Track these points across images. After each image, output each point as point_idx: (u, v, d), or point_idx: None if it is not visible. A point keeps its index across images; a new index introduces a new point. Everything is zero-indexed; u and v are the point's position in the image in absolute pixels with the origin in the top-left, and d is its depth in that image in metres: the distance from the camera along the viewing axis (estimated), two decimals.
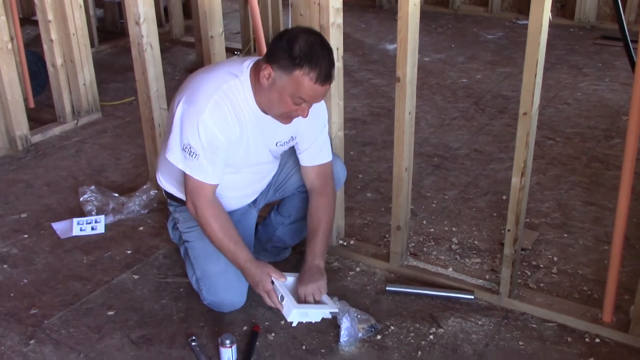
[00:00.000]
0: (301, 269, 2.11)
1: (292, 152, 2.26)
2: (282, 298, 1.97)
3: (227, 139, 1.96)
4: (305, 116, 1.95)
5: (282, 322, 2.17)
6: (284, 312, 1.95)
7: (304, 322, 2.00)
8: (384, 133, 3.63)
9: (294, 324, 1.98)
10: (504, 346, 2.06)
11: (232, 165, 2.07)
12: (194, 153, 1.94)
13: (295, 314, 1.92)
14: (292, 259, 2.50)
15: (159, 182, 2.28)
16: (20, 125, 3.45)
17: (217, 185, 2.02)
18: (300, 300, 2.03)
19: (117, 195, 2.93)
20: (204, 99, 1.93)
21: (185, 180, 2.03)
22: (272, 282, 1.99)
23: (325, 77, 1.88)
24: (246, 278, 2.05)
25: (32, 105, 3.91)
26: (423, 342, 2.08)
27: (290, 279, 2.05)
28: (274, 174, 2.30)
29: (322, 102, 2.13)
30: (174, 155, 1.99)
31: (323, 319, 2.04)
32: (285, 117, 1.99)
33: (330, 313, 2.02)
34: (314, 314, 1.99)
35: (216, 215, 2.02)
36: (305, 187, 2.25)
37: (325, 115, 2.19)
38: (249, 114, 1.99)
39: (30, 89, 3.90)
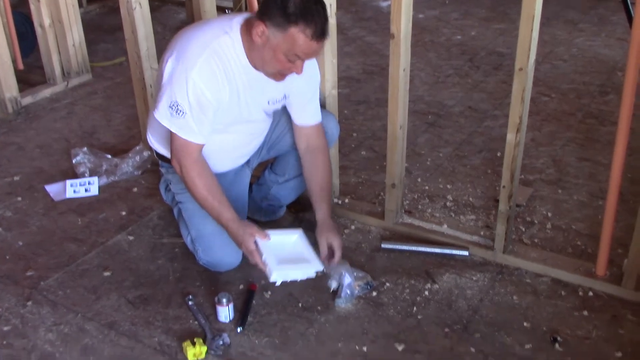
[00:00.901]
0: (317, 226, 2.12)
1: (284, 111, 2.24)
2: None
3: (215, 98, 1.94)
4: (299, 72, 1.94)
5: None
6: (267, 272, 1.94)
7: (288, 280, 1.99)
8: (378, 91, 3.61)
9: (277, 284, 1.98)
10: (498, 301, 2.08)
11: (224, 124, 2.05)
12: (180, 111, 1.92)
13: (277, 275, 1.91)
14: (288, 217, 2.51)
15: (149, 143, 2.26)
16: (10, 87, 3.41)
17: (203, 145, 2.01)
18: (322, 249, 2.06)
19: (109, 156, 2.91)
20: (193, 56, 1.90)
21: (171, 138, 2.01)
22: (256, 242, 1.98)
23: (321, 34, 1.85)
24: (231, 237, 2.05)
25: (20, 67, 3.86)
26: (418, 298, 2.10)
27: (276, 237, 2.03)
28: (267, 133, 2.29)
29: (314, 61, 2.11)
30: (160, 113, 1.97)
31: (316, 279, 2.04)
32: (279, 75, 1.97)
33: (315, 272, 2.00)
34: (296, 274, 1.97)
35: (200, 173, 2.01)
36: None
37: (318, 74, 2.17)
38: (239, 71, 1.97)
39: (19, 51, 3.84)
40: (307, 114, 2.18)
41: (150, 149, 2.84)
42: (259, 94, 2.05)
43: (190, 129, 1.96)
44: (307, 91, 2.14)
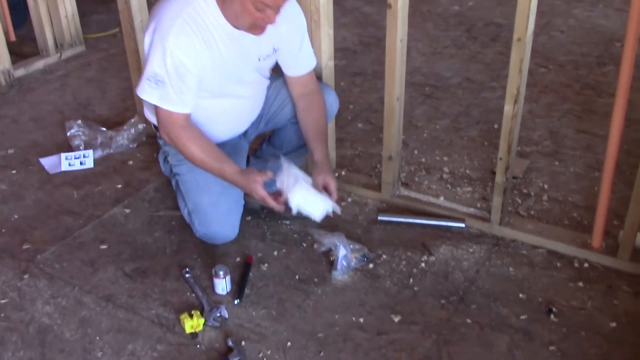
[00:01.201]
0: (314, 167, 2.09)
1: (283, 83, 2.23)
2: (279, 192, 1.94)
3: (195, 65, 1.92)
4: (272, 23, 1.91)
5: (275, 253, 2.19)
6: (289, 196, 1.91)
7: (304, 213, 1.96)
8: (375, 63, 3.58)
9: (294, 211, 1.95)
10: (494, 272, 2.09)
11: (216, 88, 2.03)
12: (159, 81, 1.92)
13: (298, 195, 1.90)
14: None
15: (146, 115, 2.26)
16: (2, 59, 3.37)
17: (187, 114, 2.00)
18: (318, 188, 2.01)
19: (104, 129, 2.90)
20: (167, 25, 1.89)
21: (156, 110, 2.01)
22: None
23: None
24: (241, 189, 2.04)
25: (13, 38, 3.82)
26: (415, 270, 2.11)
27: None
28: (266, 104, 2.28)
29: (299, 9, 2.10)
30: (140, 87, 1.97)
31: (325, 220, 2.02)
32: (255, 28, 1.94)
33: (333, 209, 1.98)
34: (315, 204, 1.95)
35: (191, 137, 2.00)
36: (296, 118, 2.23)
37: (304, 22, 2.14)
38: (219, 33, 1.94)
39: (11, 22, 3.80)
40: (300, 63, 2.17)
41: (146, 121, 2.83)
42: (246, 52, 2.03)
43: (171, 99, 1.95)
44: (296, 39, 2.12)
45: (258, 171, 1.98)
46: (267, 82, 2.22)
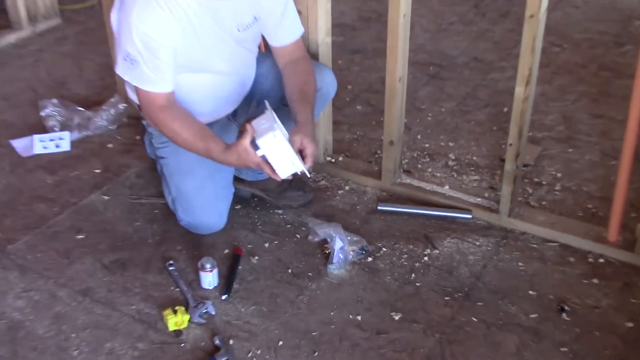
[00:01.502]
0: (296, 125, 2.03)
1: (274, 63, 2.21)
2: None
3: (165, 38, 1.91)
4: None
5: (266, 245, 2.19)
6: (258, 141, 1.87)
7: (279, 153, 1.90)
8: (375, 40, 3.56)
9: (267, 149, 1.88)
10: (502, 267, 2.09)
11: (192, 63, 2.01)
12: (133, 61, 1.92)
13: (268, 141, 1.85)
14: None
15: (128, 95, 2.24)
16: None
17: (169, 94, 1.99)
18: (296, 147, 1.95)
19: (82, 109, 2.87)
20: (130, 1, 1.90)
21: (136, 92, 2.02)
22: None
23: None
24: (234, 165, 2.02)
25: None
26: (417, 264, 2.11)
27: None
28: (257, 84, 2.26)
29: None
30: (119, 67, 1.98)
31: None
32: None
33: (301, 171, 1.94)
34: (285, 154, 1.89)
35: (174, 116, 1.99)
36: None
37: None
38: (189, 4, 1.93)
39: None
40: (284, 31, 2.15)
41: (127, 100, 2.81)
42: (222, 23, 2.01)
43: (147, 78, 1.94)
44: (277, 6, 2.10)
45: (242, 138, 1.92)
46: (253, 56, 2.20)
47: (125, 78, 1.99)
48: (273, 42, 2.17)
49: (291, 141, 1.94)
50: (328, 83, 2.27)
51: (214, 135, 2.00)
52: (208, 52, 2.04)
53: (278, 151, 1.88)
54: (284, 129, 1.94)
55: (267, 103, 1.99)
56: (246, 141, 1.89)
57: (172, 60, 1.95)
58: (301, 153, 1.95)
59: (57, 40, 3.65)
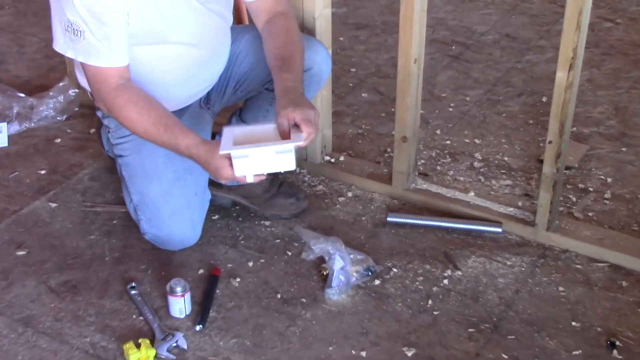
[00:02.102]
0: (277, 100, 2.01)
1: (256, 36, 2.23)
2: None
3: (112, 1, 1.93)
4: None
5: (250, 264, 2.21)
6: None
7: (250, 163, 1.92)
8: (385, 11, 3.59)
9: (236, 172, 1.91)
10: (539, 292, 2.12)
11: (147, 32, 2.03)
12: (77, 31, 1.94)
13: (240, 164, 1.88)
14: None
15: (79, 82, 2.27)
16: None
17: (122, 68, 2.01)
18: (284, 131, 1.94)
19: (23, 95, 2.89)
20: None
21: (84, 71, 2.03)
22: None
23: None
24: (202, 167, 2.02)
25: None
26: (435, 289, 2.13)
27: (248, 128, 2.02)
28: (233, 63, 2.28)
29: None
30: (58, 43, 1.99)
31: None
32: None
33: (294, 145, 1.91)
34: (259, 152, 1.90)
35: (131, 99, 2.00)
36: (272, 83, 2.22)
37: None
38: None
39: None
40: None
41: (79, 85, 2.82)
42: None
43: (95, 51, 1.96)
44: None
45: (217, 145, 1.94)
46: (225, 24, 2.21)
47: (68, 55, 1.99)
48: None
49: (278, 126, 1.95)
50: (320, 62, 2.27)
51: (182, 126, 2.01)
52: (168, 17, 2.05)
53: (257, 166, 1.91)
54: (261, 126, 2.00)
55: (223, 128, 1.99)
56: (226, 161, 1.91)
57: (124, 28, 1.97)
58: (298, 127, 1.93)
59: None
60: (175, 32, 2.09)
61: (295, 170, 1.99)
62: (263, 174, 1.95)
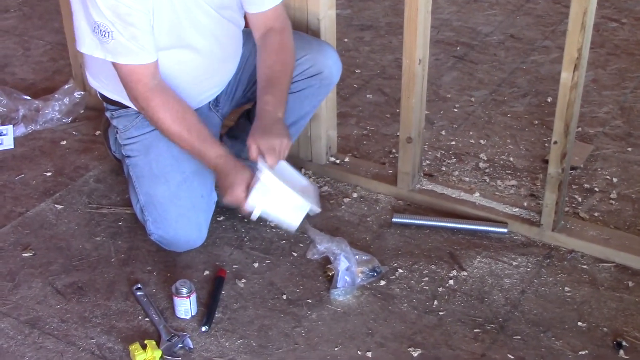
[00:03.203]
0: (254, 121, 2.09)
1: None
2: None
3: (135, 1, 1.94)
4: None
5: (256, 265, 2.21)
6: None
7: (272, 220, 2.01)
8: (390, 13, 3.59)
9: (253, 216, 1.98)
10: (545, 293, 2.12)
11: (164, 37, 2.04)
12: (105, 32, 1.96)
13: (257, 195, 1.93)
14: None
15: (89, 83, 2.28)
16: None
17: (153, 65, 2.02)
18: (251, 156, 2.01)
19: (28, 97, 2.90)
20: None
21: (116, 70, 2.05)
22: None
23: None
24: (217, 179, 2.08)
25: None
26: (440, 289, 2.13)
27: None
28: (241, 67, 2.29)
29: None
30: (86, 45, 2.02)
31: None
32: None
33: (310, 211, 2.01)
34: (282, 201, 1.97)
35: (164, 102, 2.03)
36: None
37: None
38: None
39: None
40: None
41: (84, 87, 2.83)
42: None
43: (126, 49, 1.97)
44: None
45: (251, 171, 1.99)
46: (237, 29, 2.23)
47: (97, 55, 2.01)
48: (249, 8, 2.20)
49: (248, 152, 2.01)
50: (330, 65, 2.29)
51: (213, 137, 2.06)
52: (184, 22, 2.07)
53: (271, 203, 1.96)
54: (290, 169, 2.05)
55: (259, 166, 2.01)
56: (244, 185, 1.97)
57: (149, 26, 1.99)
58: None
59: None
60: (190, 37, 2.11)
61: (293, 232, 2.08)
62: (264, 215, 2.00)
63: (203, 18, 2.11)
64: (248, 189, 1.97)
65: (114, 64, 2.02)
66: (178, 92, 2.14)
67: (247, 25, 2.29)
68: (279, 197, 1.96)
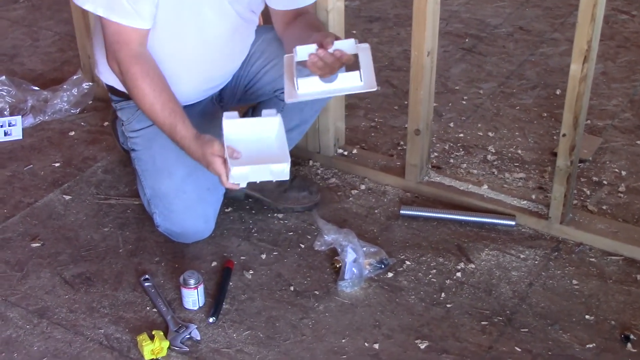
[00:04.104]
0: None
1: (273, 39, 2.23)
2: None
3: None
4: None
5: (263, 257, 2.21)
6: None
7: (256, 181, 1.98)
8: (398, 4, 3.58)
9: (240, 186, 1.96)
10: (552, 286, 2.12)
11: (168, 24, 2.04)
12: None
13: (236, 172, 1.91)
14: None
15: (97, 73, 2.28)
16: None
17: (144, 32, 2.01)
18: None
19: (37, 88, 2.91)
20: None
21: (102, 29, 2.02)
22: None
23: None
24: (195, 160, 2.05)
25: None
26: (448, 281, 2.13)
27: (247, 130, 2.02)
28: (247, 63, 2.29)
29: None
30: None
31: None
32: None
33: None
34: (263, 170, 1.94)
35: (146, 72, 2.00)
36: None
37: None
38: None
39: None
40: None
41: (93, 78, 2.84)
42: None
43: (121, 7, 1.95)
44: None
45: (219, 143, 1.96)
46: (248, 26, 2.22)
47: (86, 7, 1.98)
48: (274, 4, 2.18)
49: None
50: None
51: (184, 116, 2.02)
52: (193, 10, 2.06)
53: (252, 176, 1.94)
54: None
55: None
56: (218, 159, 1.93)
57: None
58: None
59: (5, 2, 3.67)
60: (195, 25, 2.10)
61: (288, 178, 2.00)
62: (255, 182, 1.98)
63: (214, 7, 2.09)
64: (225, 161, 1.93)
65: (103, 23, 1.99)
66: (174, 80, 2.11)
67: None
68: (255, 171, 1.94)
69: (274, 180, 1.96)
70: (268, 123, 2.03)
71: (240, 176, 1.93)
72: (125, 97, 2.21)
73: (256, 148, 1.98)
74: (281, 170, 1.93)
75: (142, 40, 2.02)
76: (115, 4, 1.95)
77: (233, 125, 1.99)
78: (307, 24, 2.13)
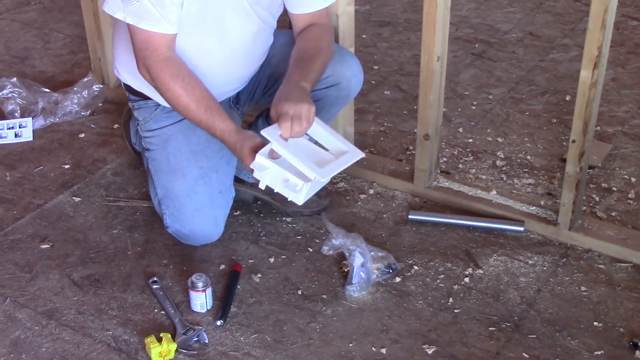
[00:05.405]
0: (280, 88, 2.06)
1: (289, 42, 2.24)
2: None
3: None
4: None
5: (271, 260, 2.21)
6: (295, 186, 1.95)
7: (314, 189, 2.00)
8: (408, 9, 3.58)
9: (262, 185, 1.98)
10: (561, 292, 2.11)
11: (190, 26, 2.05)
12: None
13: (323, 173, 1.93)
14: None
15: (115, 71, 2.29)
16: None
17: (172, 37, 2.02)
18: (275, 121, 1.99)
19: (47, 90, 2.91)
20: None
21: (131, 36, 2.04)
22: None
23: None
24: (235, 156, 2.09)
25: None
26: (456, 287, 2.13)
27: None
28: (264, 65, 2.29)
29: None
30: (109, 4, 2.01)
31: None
32: None
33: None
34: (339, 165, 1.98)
35: (177, 73, 2.02)
36: None
37: None
38: None
39: None
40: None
41: (102, 80, 2.85)
42: None
43: (149, 14, 1.97)
44: None
45: (261, 140, 1.99)
46: (267, 28, 2.22)
47: (117, 16, 2.00)
48: (292, 8, 2.19)
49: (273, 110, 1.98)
50: (349, 77, 2.26)
51: (222, 111, 2.04)
52: (216, 12, 2.07)
53: (273, 180, 1.96)
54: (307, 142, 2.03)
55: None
56: (252, 155, 1.95)
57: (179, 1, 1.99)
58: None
59: (18, 5, 3.69)
60: (218, 28, 2.11)
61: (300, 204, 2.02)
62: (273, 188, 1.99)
63: (236, 10, 2.10)
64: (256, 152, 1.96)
65: (131, 30, 2.01)
66: (207, 79, 2.11)
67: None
68: (276, 174, 1.95)
69: (288, 199, 1.96)
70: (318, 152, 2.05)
71: (261, 167, 1.94)
72: (142, 96, 2.22)
73: (292, 164, 1.97)
74: (296, 185, 1.94)
75: (171, 45, 2.04)
76: (143, 11, 1.97)
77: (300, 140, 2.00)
78: (303, 48, 2.15)
